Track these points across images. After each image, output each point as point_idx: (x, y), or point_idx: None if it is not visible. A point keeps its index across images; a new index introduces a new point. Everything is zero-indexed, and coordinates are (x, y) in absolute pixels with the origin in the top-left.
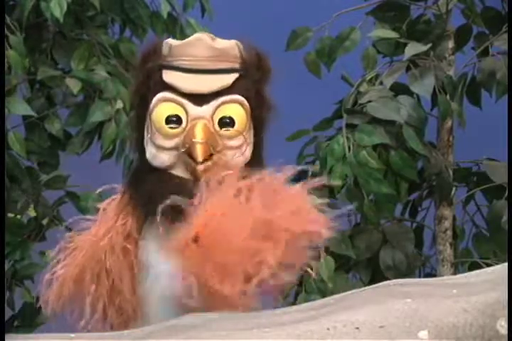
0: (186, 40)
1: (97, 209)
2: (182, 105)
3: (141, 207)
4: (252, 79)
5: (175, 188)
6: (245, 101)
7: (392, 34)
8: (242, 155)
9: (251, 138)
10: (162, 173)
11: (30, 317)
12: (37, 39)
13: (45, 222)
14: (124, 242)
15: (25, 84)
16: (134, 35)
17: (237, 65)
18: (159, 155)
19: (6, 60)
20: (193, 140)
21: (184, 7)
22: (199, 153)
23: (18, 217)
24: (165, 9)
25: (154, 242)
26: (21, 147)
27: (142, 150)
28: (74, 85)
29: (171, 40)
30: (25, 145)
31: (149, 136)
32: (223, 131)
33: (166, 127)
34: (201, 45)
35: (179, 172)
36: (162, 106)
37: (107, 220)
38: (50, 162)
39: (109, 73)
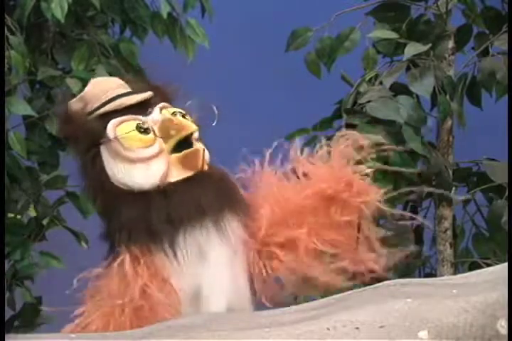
0: (88, 86)
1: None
2: (136, 118)
3: (165, 236)
4: (160, 97)
5: (186, 192)
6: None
7: (392, 34)
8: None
9: None
10: (163, 188)
11: (30, 317)
12: (37, 39)
13: (45, 222)
14: (159, 284)
15: (25, 84)
16: (135, 35)
17: (142, 88)
18: (151, 167)
19: (6, 60)
20: (174, 120)
21: (184, 7)
22: (188, 122)
23: (19, 217)
24: (165, 9)
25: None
26: (22, 147)
27: (120, 191)
28: (74, 85)
29: (77, 95)
30: (25, 145)
31: (127, 162)
32: None
33: (142, 135)
34: (103, 82)
35: (178, 174)
36: (123, 127)
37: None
38: (50, 162)
39: (109, 73)
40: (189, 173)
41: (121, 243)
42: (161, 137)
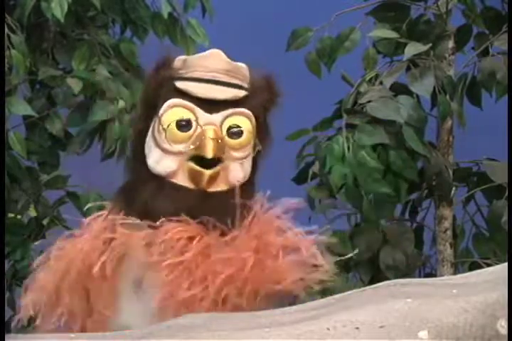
0: (201, 53)
1: (81, 223)
2: (192, 111)
3: (136, 218)
4: (259, 100)
5: (175, 197)
6: (253, 118)
7: (392, 34)
8: (242, 171)
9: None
10: (163, 181)
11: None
12: (38, 39)
13: (45, 222)
14: (108, 259)
15: (25, 84)
16: (135, 35)
17: (246, 84)
18: (164, 159)
19: (6, 60)
20: (204, 136)
21: (185, 7)
22: (210, 147)
23: (19, 217)
24: (165, 9)
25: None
26: (22, 147)
27: (142, 159)
28: (75, 85)
29: (185, 56)
30: (25, 145)
31: (154, 141)
32: (230, 141)
33: (176, 129)
34: (216, 58)
35: (182, 181)
36: (173, 111)
37: (92, 235)
38: (50, 162)
39: (110, 73)
40: (190, 185)
41: (111, 201)
42: (193, 142)
